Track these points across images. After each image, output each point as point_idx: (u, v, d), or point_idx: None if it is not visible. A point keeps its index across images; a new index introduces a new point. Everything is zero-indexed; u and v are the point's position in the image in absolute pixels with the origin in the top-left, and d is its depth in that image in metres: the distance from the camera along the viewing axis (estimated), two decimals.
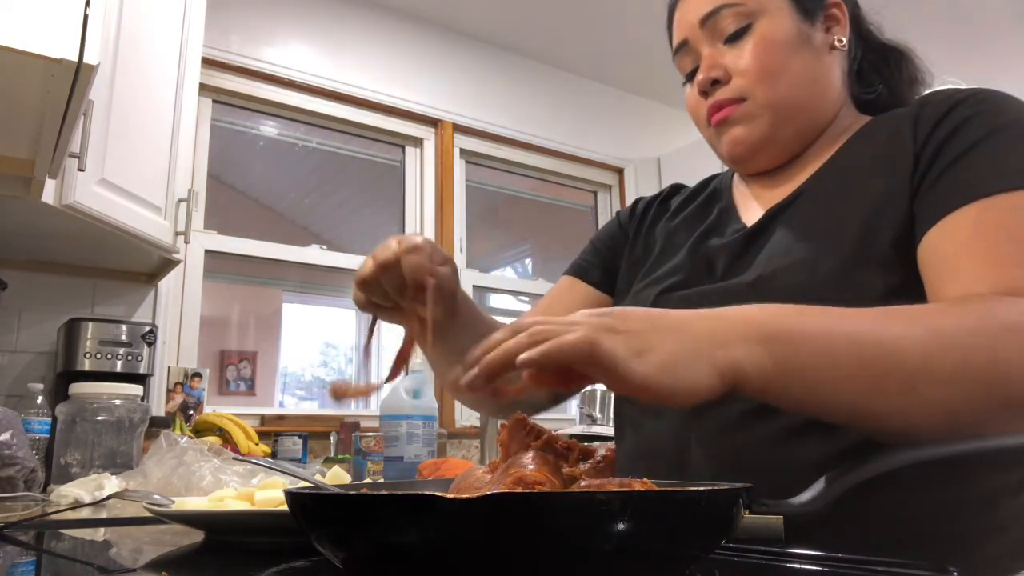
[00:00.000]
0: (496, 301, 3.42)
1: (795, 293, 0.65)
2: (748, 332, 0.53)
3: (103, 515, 1.07)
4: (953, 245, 0.64)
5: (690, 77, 0.88)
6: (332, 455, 2.37)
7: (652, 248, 0.94)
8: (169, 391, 2.24)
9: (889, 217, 0.70)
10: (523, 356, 0.48)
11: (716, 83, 0.83)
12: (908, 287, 0.67)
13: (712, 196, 0.94)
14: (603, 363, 0.48)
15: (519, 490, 0.44)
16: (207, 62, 2.35)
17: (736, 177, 0.94)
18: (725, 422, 0.71)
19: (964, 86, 0.76)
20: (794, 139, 0.83)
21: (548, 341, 0.49)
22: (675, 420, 0.76)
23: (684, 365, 0.51)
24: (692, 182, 1.03)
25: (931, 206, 0.67)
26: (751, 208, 0.86)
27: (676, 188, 1.03)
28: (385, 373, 0.76)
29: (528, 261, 3.87)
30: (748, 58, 0.80)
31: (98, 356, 1.89)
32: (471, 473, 0.54)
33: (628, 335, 0.50)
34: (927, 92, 0.80)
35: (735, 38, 0.82)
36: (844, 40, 0.84)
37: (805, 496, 0.52)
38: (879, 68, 0.89)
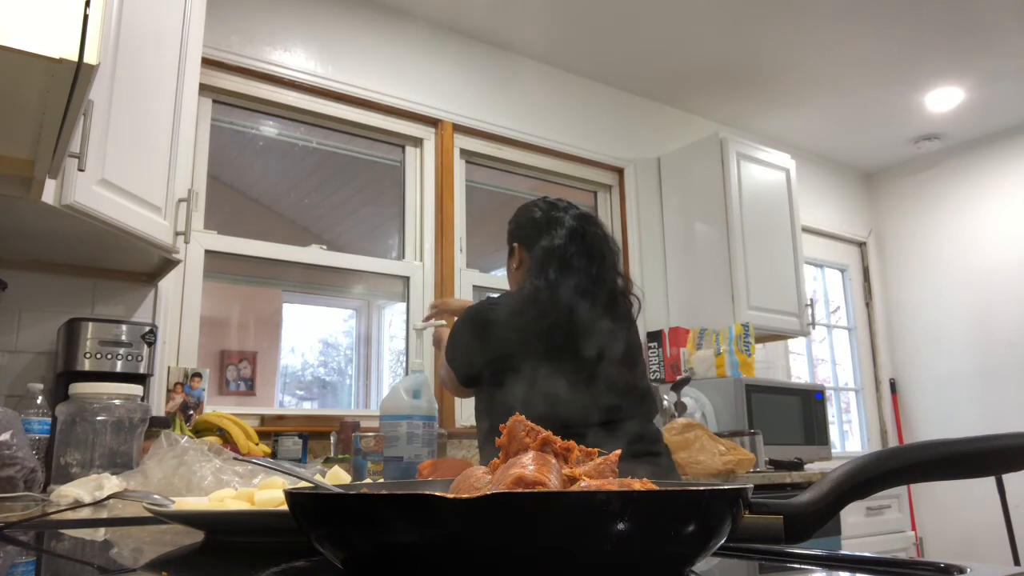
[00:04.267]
0: None
1: None
2: None
3: (103, 515, 1.07)
4: None
5: None
6: (332, 455, 2.37)
7: None
8: (169, 391, 2.24)
9: None
10: None
11: None
12: None
13: None
14: None
15: (519, 490, 0.44)
16: (207, 62, 2.34)
17: None
18: None
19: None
20: None
21: None
22: None
23: None
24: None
25: None
26: None
27: None
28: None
29: None
30: None
31: (98, 356, 1.89)
32: (471, 473, 0.54)
33: None
34: None
35: None
36: (516, 265, 1.76)
37: (805, 496, 0.52)
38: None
